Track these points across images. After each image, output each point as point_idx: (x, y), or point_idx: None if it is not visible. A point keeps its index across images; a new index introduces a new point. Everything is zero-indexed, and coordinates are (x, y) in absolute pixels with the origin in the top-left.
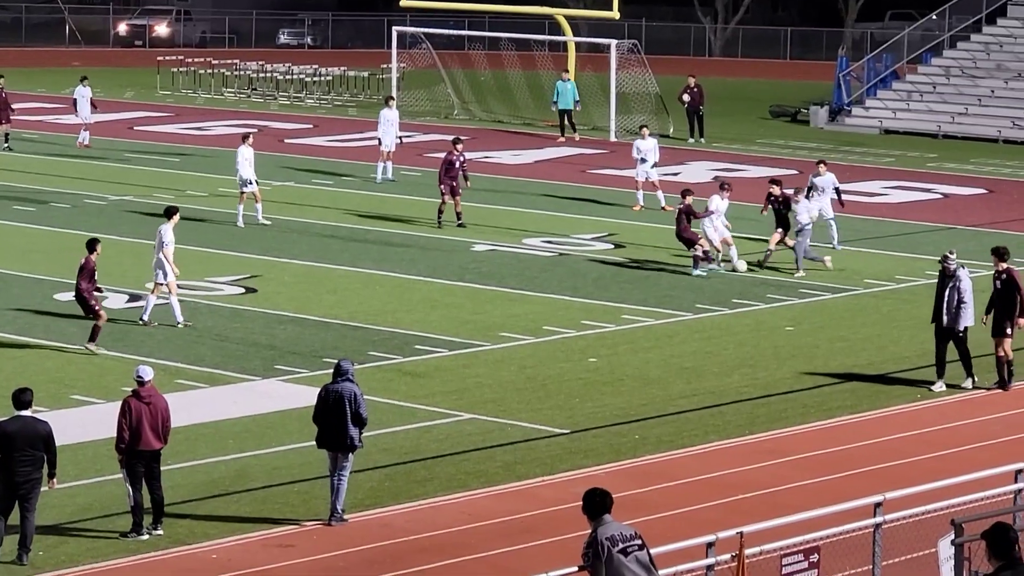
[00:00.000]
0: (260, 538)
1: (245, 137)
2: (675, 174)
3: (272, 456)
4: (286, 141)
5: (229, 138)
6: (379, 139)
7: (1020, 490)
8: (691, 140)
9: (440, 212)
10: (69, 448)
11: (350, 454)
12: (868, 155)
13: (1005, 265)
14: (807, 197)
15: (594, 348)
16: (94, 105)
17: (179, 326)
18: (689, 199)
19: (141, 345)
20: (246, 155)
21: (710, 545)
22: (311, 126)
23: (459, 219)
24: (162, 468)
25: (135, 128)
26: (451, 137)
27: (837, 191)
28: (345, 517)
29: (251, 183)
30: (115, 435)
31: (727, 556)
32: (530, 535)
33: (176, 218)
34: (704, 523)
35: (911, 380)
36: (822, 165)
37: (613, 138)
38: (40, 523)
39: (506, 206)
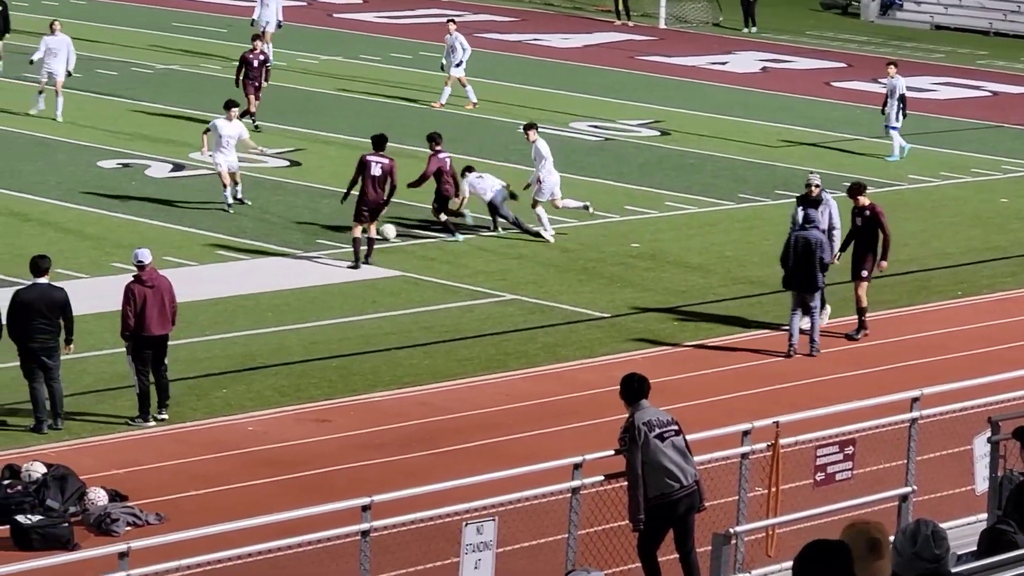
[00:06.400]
0: (295, 412)
1: None
2: (723, 63)
3: (311, 331)
4: (334, 16)
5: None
6: (40, 64)
7: None
8: (745, 30)
9: (251, 114)
10: (108, 316)
11: (816, 294)
12: (918, 50)
13: (867, 201)
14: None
15: (637, 233)
16: None
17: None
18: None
19: (183, 216)
20: None
21: (746, 433)
22: (361, 0)
23: (253, 121)
24: (200, 339)
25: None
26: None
27: (902, 98)
28: (820, 350)
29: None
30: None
31: (763, 445)
32: (567, 418)
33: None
34: (741, 412)
35: (953, 276)
36: (892, 67)
37: (663, 25)
38: (69, 392)
39: (554, 89)
